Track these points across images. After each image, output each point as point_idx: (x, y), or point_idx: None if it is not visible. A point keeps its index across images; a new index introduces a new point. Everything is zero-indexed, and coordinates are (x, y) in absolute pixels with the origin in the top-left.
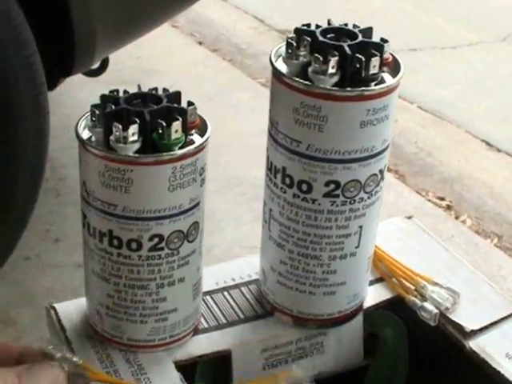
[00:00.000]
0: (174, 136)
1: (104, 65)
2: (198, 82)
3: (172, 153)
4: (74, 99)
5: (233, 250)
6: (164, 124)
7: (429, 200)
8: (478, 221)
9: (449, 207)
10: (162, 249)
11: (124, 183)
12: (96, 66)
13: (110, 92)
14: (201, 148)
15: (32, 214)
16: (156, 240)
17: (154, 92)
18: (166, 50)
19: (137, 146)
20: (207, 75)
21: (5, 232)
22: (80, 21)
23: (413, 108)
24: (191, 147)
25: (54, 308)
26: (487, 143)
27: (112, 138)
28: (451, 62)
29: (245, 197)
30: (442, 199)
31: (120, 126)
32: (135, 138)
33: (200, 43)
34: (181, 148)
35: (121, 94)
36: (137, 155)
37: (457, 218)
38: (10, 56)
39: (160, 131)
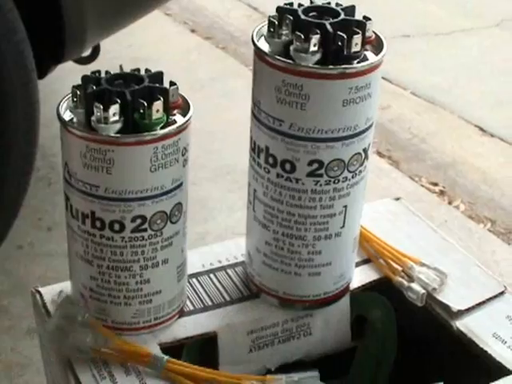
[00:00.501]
0: (155, 116)
1: (95, 52)
2: (191, 69)
3: (153, 133)
4: (67, 88)
5: (226, 238)
6: (145, 104)
7: (422, 185)
8: (472, 206)
9: (442, 193)
10: (145, 230)
11: (105, 164)
12: (87, 53)
13: (92, 73)
14: (183, 128)
15: (23, 203)
16: (139, 221)
17: (135, 72)
18: (159, 37)
19: (118, 126)
20: (200, 63)
21: None
22: (70, 7)
23: (406, 94)
24: (173, 127)
25: (39, 292)
26: (481, 129)
27: (93, 118)
28: (445, 48)
29: (237, 184)
30: (436, 185)
31: (101, 106)
32: (116, 118)
33: (193, 31)
34: (162, 128)
35: (102, 74)
36: (118, 135)
37: (450, 203)
38: (0, 42)
39: (141, 111)
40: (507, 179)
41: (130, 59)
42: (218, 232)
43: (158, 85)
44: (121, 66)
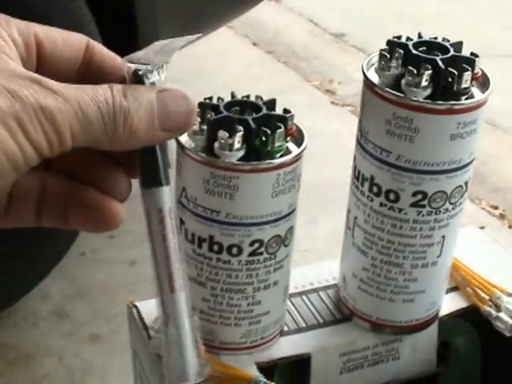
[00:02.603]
0: (277, 143)
1: None
2: (254, 83)
3: (279, 160)
4: None
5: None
6: (268, 132)
7: (482, 208)
8: None
9: (502, 216)
10: (261, 253)
11: (229, 190)
12: None
13: (205, 99)
14: (301, 155)
15: None
16: (256, 245)
17: (251, 99)
18: (221, 50)
19: (241, 153)
20: (263, 77)
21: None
22: (144, 26)
23: None
24: (293, 154)
25: (135, 306)
26: None
27: (216, 145)
28: (506, 70)
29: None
30: (496, 208)
31: (226, 134)
32: (240, 145)
33: (254, 44)
34: (282, 155)
35: (214, 100)
36: (244, 162)
37: (510, 227)
38: None
39: (263, 139)
40: None
41: (191, 71)
42: None
43: (275, 112)
44: (233, 93)
